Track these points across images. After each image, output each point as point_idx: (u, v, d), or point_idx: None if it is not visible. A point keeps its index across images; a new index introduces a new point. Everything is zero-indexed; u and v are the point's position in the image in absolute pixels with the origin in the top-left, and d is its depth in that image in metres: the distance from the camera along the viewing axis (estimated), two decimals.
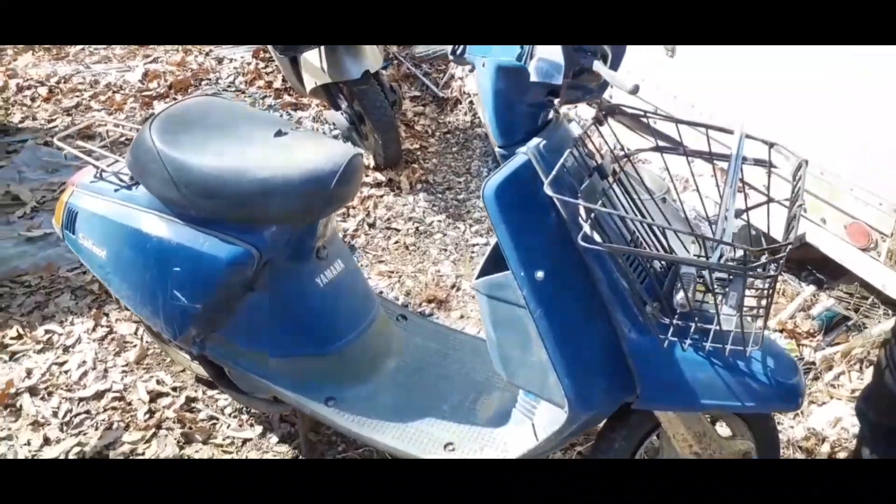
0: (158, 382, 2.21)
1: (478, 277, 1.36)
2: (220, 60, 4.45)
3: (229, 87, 4.17)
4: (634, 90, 1.01)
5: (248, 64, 4.36)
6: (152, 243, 1.67)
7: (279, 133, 1.65)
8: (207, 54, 4.52)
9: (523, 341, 1.32)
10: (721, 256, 1.33)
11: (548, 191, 1.15)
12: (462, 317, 2.43)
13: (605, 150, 1.41)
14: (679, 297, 1.27)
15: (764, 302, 1.25)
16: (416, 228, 2.86)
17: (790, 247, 1.08)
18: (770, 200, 1.38)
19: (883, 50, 1.89)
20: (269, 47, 3.90)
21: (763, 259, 1.13)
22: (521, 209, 1.25)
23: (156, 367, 2.27)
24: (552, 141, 1.28)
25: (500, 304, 1.32)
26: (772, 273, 1.11)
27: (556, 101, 1.28)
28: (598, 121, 1.38)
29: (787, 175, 1.32)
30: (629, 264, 1.28)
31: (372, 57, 2.97)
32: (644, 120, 1.41)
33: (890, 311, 2.23)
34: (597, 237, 1.18)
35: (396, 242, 2.81)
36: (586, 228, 1.17)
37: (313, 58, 3.01)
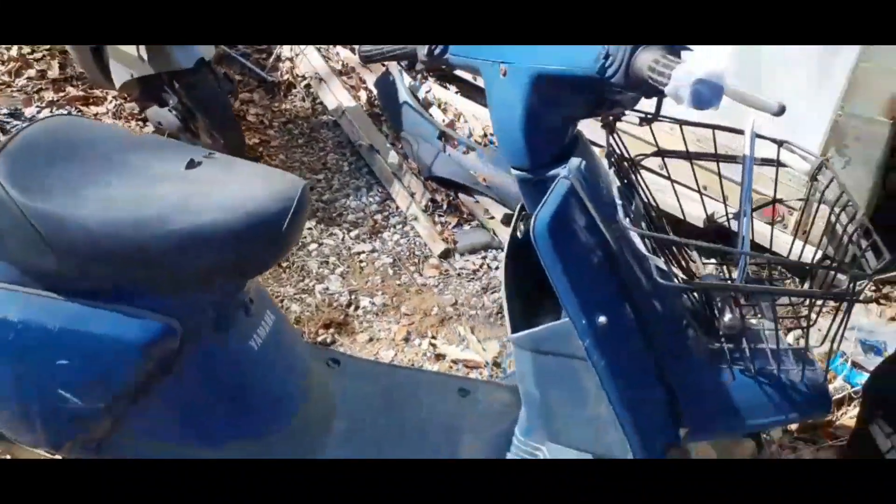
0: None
1: (512, 332, 1.14)
2: None
3: None
4: (781, 111, 0.85)
5: (8, 49, 3.53)
6: (17, 331, 1.19)
7: (192, 164, 1.24)
8: None
9: (577, 397, 1.13)
10: (744, 268, 1.25)
11: (625, 225, 0.96)
12: (371, 339, 2.15)
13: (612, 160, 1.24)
14: (728, 318, 1.16)
15: (805, 318, 1.19)
16: None
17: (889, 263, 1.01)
18: (776, 201, 1.32)
19: None
20: None
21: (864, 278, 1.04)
22: (576, 245, 1.04)
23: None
24: (588, 161, 1.08)
25: (550, 359, 1.11)
26: (863, 297, 1.03)
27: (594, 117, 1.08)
28: (609, 127, 1.21)
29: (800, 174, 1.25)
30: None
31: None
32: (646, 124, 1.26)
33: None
34: (676, 273, 1.01)
35: None
36: (659, 264, 1.01)
37: (127, 46, 2.46)
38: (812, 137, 1.85)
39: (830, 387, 1.89)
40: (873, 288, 2.07)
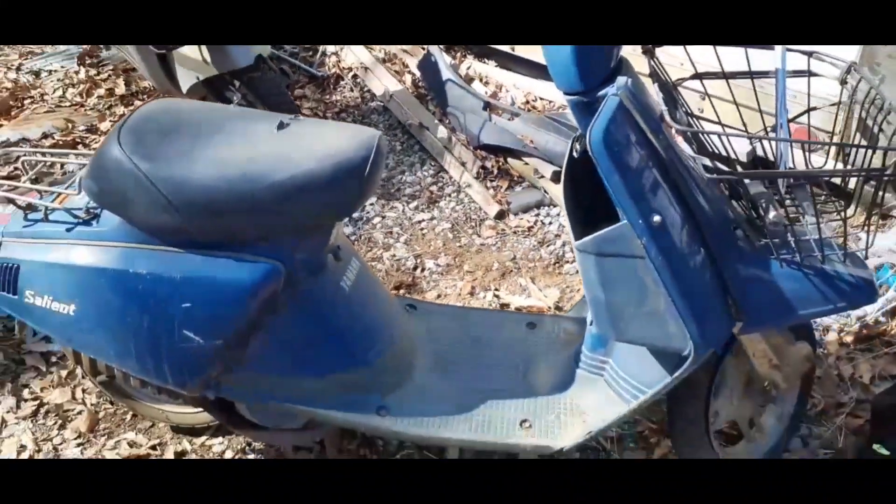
0: (131, 445, 1.89)
1: (576, 240, 1.28)
2: (37, 74, 3.86)
3: (61, 101, 3.62)
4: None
5: (76, 73, 3.81)
6: (146, 282, 1.39)
7: (281, 125, 1.42)
8: (18, 69, 3.89)
9: (639, 294, 1.26)
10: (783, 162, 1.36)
11: (675, 128, 1.09)
12: (439, 296, 2.31)
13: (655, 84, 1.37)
14: (772, 214, 1.28)
15: (842, 209, 1.30)
16: (349, 216, 2.67)
17: None
18: (811, 109, 1.42)
19: None
20: (116, 47, 3.42)
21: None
22: (629, 153, 1.18)
23: (118, 430, 1.94)
24: (634, 80, 1.22)
25: (612, 260, 1.25)
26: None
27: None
28: (648, 53, 1.34)
29: (833, 80, 1.36)
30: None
31: None
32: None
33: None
34: (719, 166, 1.14)
35: None
36: (705, 161, 1.14)
37: (190, 51, 2.67)
38: (845, 56, 1.93)
39: (883, 298, 1.97)
40: None
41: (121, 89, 3.64)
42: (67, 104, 3.60)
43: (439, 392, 1.61)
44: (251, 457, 1.81)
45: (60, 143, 3.16)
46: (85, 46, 4.03)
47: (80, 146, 3.14)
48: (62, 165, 2.84)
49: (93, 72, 3.83)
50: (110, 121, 3.36)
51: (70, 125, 3.32)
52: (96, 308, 1.43)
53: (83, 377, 2.02)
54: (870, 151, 1.21)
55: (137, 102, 3.51)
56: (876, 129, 1.24)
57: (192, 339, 1.41)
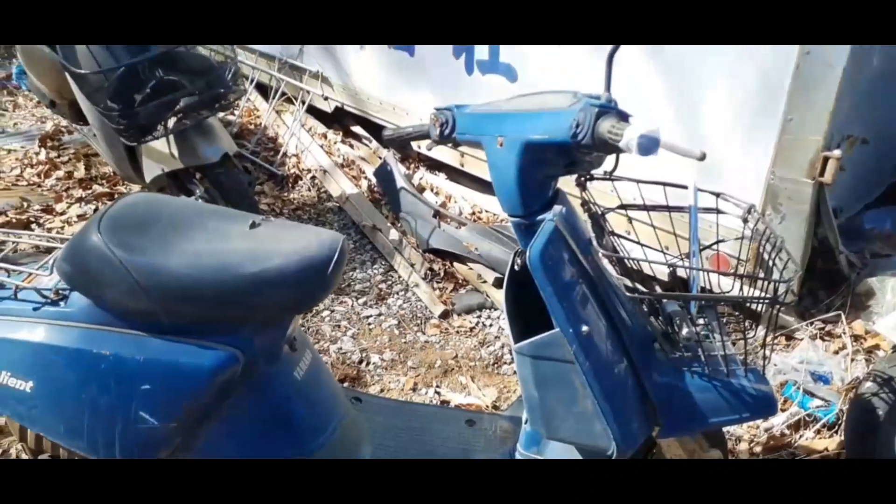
0: None
1: (515, 343, 1.42)
2: None
3: (18, 179, 3.67)
4: (703, 157, 1.17)
5: (36, 154, 3.88)
6: (109, 363, 1.46)
7: (254, 224, 1.55)
8: None
9: (569, 395, 1.40)
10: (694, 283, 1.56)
11: (601, 252, 1.27)
12: (382, 390, 2.40)
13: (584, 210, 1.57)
14: (685, 331, 1.45)
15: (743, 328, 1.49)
16: None
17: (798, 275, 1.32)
18: (718, 241, 1.64)
19: None
20: (81, 133, 3.52)
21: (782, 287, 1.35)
22: (562, 271, 1.35)
23: None
24: (567, 208, 1.41)
25: (546, 363, 1.39)
26: (787, 301, 1.34)
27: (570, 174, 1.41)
28: (581, 185, 1.54)
29: (736, 218, 1.58)
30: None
31: (226, 139, 2.86)
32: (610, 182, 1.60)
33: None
34: (639, 287, 1.32)
35: None
36: (626, 282, 1.31)
37: (159, 144, 2.81)
38: (751, 196, 2.20)
39: (787, 413, 2.16)
40: (820, 326, 2.39)
41: (80, 173, 3.72)
42: (24, 183, 3.65)
43: None
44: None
45: (14, 220, 3.19)
46: (47, 129, 4.12)
47: (34, 226, 3.18)
48: (16, 245, 2.89)
49: (53, 154, 3.91)
50: (67, 202, 3.42)
51: (25, 204, 3.36)
52: (55, 386, 1.48)
53: (17, 456, 2.02)
54: (767, 283, 1.41)
55: (96, 187, 3.59)
56: (770, 263, 1.45)
57: (147, 420, 1.47)
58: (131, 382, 1.46)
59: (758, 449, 2.11)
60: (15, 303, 1.54)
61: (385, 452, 1.77)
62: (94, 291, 1.47)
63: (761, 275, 1.45)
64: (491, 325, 2.73)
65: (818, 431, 2.10)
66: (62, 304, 1.52)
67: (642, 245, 1.51)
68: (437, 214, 3.09)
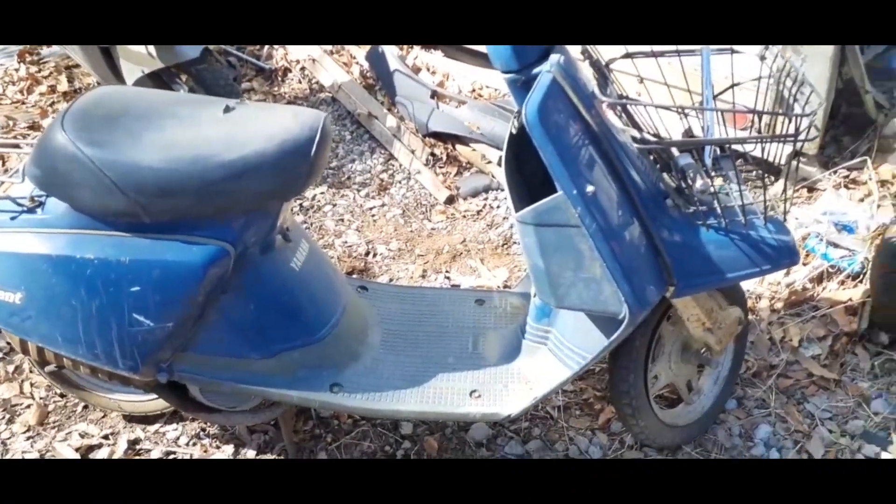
0: (82, 435, 1.88)
1: (516, 212, 1.33)
2: None
3: (1, 98, 3.55)
4: None
5: (16, 70, 3.73)
6: (95, 267, 1.40)
7: (227, 109, 1.44)
8: None
9: (575, 261, 1.32)
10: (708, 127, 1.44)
11: (605, 102, 1.16)
12: (391, 279, 2.35)
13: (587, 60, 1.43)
14: (700, 184, 1.35)
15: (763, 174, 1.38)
16: (300, 205, 2.69)
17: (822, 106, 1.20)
18: (735, 84, 1.51)
19: None
20: (66, 47, 3.36)
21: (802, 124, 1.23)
22: (563, 127, 1.24)
23: (68, 422, 1.93)
24: (566, 57, 1.28)
25: (549, 230, 1.30)
26: (810, 137, 1.22)
27: None
28: (585, 53, 1.40)
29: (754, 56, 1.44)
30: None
31: None
32: None
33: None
34: (648, 137, 1.21)
35: None
36: (634, 133, 1.20)
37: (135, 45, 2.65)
38: None
39: (809, 266, 2.08)
40: (844, 174, 2.27)
41: (63, 86, 3.58)
42: (8, 101, 3.52)
43: (391, 367, 1.65)
44: (251, 457, 1.82)
45: (0, 139, 3.10)
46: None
47: (23, 144, 3.08)
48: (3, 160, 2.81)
49: (34, 69, 3.75)
50: (52, 117, 3.30)
51: (11, 122, 3.26)
52: (44, 295, 1.43)
53: (31, 371, 2.01)
54: (788, 120, 1.29)
55: None
56: (791, 100, 1.32)
57: (142, 322, 1.42)
58: (120, 285, 1.41)
59: (778, 305, 2.05)
60: None
61: (394, 336, 1.73)
62: (68, 193, 1.39)
63: (778, 111, 1.33)
64: (498, 207, 2.64)
65: (842, 283, 2.02)
66: (39, 211, 1.45)
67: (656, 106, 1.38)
68: (434, 95, 2.93)
